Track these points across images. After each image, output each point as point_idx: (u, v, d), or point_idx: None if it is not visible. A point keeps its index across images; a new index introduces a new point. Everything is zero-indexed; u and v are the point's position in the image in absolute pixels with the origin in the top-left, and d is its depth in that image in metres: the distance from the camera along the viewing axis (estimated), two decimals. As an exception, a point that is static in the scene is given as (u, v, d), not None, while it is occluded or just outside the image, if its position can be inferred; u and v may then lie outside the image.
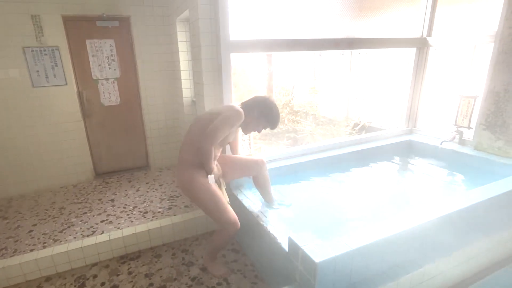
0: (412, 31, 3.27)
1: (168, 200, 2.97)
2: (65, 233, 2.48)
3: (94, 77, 3.43)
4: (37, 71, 3.14)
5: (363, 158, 3.11)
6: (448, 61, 3.27)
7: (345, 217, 2.30)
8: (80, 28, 3.26)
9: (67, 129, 3.40)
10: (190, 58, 3.40)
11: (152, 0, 3.42)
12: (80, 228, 2.54)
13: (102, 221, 2.63)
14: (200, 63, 2.41)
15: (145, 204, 2.90)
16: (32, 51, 3.08)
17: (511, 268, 1.98)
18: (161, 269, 2.17)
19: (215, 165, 1.95)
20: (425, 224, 1.65)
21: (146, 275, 2.11)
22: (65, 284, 2.08)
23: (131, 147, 3.82)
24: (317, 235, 1.52)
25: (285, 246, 1.62)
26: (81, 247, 2.22)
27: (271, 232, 1.78)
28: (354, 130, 4.48)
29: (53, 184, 3.47)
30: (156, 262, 2.25)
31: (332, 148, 3.11)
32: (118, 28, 3.41)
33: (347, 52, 4.97)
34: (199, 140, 1.83)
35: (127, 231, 2.38)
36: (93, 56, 3.37)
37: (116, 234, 2.35)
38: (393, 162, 3.21)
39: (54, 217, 2.76)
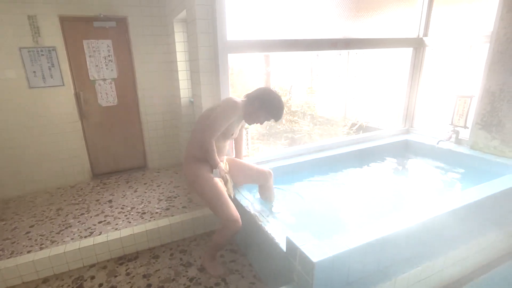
0: (408, 31, 3.29)
1: (166, 200, 2.96)
2: (62, 234, 2.47)
3: (91, 78, 3.42)
4: (34, 71, 3.12)
5: (361, 157, 3.12)
6: (445, 61, 3.29)
7: (343, 217, 2.31)
8: (77, 29, 3.25)
9: (64, 130, 3.39)
10: (187, 59, 3.40)
11: (149, 1, 3.42)
12: (78, 229, 2.53)
13: (99, 222, 2.62)
14: (198, 64, 2.41)
15: (143, 205, 2.90)
16: (29, 51, 3.06)
17: (506, 267, 2.00)
18: (159, 269, 2.17)
19: (219, 160, 1.96)
20: (422, 223, 1.66)
21: (144, 276, 2.11)
22: (62, 286, 2.07)
23: (129, 148, 3.81)
24: (314, 235, 1.52)
25: (283, 246, 1.62)
26: (79, 248, 2.21)
27: (269, 232, 1.79)
28: (352, 130, 4.50)
29: (51, 185, 3.46)
30: (154, 262, 2.25)
31: (330, 148, 3.12)
32: (115, 29, 3.40)
33: (344, 52, 4.99)
34: (200, 136, 1.89)
35: (125, 232, 2.38)
36: (90, 56, 3.36)
37: (114, 235, 2.34)
38: (390, 162, 3.22)
39: (52, 218, 2.75)
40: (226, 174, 2.05)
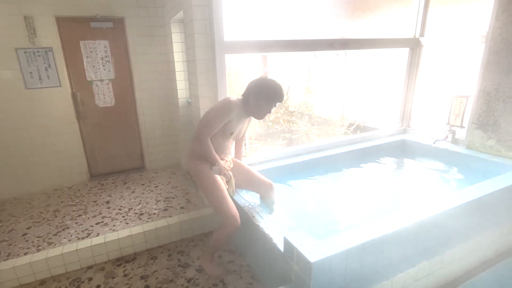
0: (405, 31, 3.30)
1: (163, 201, 2.96)
2: (59, 236, 2.47)
3: (88, 79, 3.41)
4: (30, 72, 3.11)
5: (358, 157, 3.13)
6: (441, 61, 3.31)
7: (340, 217, 2.32)
8: (73, 29, 3.24)
9: (61, 131, 3.37)
10: (185, 59, 3.39)
11: (146, 1, 3.41)
12: (75, 231, 2.52)
13: (97, 223, 2.61)
14: (195, 64, 2.41)
15: (140, 206, 2.89)
16: (25, 52, 3.05)
17: (502, 266, 2.02)
18: (156, 271, 2.17)
19: (217, 157, 1.96)
20: (419, 223, 1.67)
21: (142, 277, 2.11)
22: None
23: (126, 149, 3.80)
24: (312, 235, 1.53)
25: (281, 247, 1.62)
26: (76, 250, 2.21)
27: (267, 232, 1.79)
28: (349, 130, 4.51)
29: (48, 187, 3.44)
30: (152, 264, 2.25)
31: (327, 148, 3.13)
32: (112, 29, 3.39)
33: (341, 52, 5.00)
34: (195, 133, 1.96)
35: (123, 233, 2.37)
36: (87, 57, 3.35)
37: (111, 236, 2.34)
38: (387, 161, 3.23)
39: (49, 220, 2.74)
40: (229, 172, 2.06)
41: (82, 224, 2.62)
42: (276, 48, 2.68)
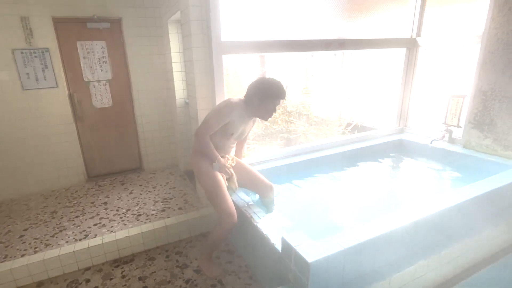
0: (402, 31, 3.32)
1: (161, 202, 2.96)
2: (57, 237, 2.46)
3: (85, 79, 3.40)
4: (27, 73, 3.09)
5: (355, 157, 3.14)
6: (438, 61, 3.33)
7: (338, 217, 2.33)
8: (70, 30, 3.23)
9: (58, 132, 3.36)
10: (182, 60, 3.39)
11: (143, 2, 3.40)
12: (73, 232, 2.51)
13: (95, 225, 2.60)
14: (192, 65, 2.41)
15: (138, 207, 2.89)
16: (22, 53, 3.03)
17: (499, 264, 2.03)
18: (155, 272, 2.16)
19: (217, 154, 1.98)
20: (416, 222, 1.68)
21: (139, 279, 2.10)
22: (57, 289, 2.06)
23: (124, 149, 3.79)
24: (310, 235, 1.53)
25: (279, 247, 1.63)
26: (74, 251, 2.20)
27: (265, 233, 1.79)
28: (347, 129, 4.52)
29: (45, 188, 3.43)
30: (150, 265, 2.24)
31: (325, 148, 3.13)
32: (109, 30, 3.38)
33: (339, 52, 5.01)
34: (196, 130, 1.99)
35: (120, 234, 2.37)
36: (84, 58, 3.34)
37: (109, 237, 2.33)
38: (385, 161, 3.25)
39: (46, 221, 2.73)
40: (230, 170, 2.07)
41: (79, 226, 2.61)
42: (274, 49, 2.68)
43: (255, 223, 1.90)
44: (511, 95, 2.44)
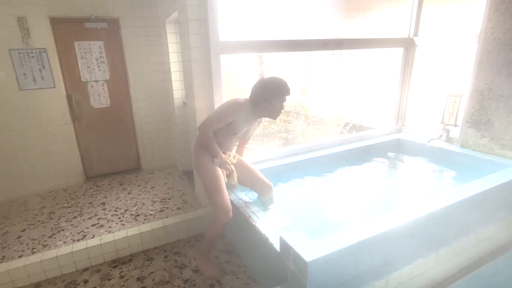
0: (399, 31, 3.33)
1: (160, 202, 2.95)
2: (54, 238, 2.45)
3: (83, 79, 3.39)
4: (24, 73, 3.08)
5: (354, 156, 3.15)
6: (435, 61, 3.34)
7: (336, 216, 2.33)
8: (68, 30, 3.22)
9: (56, 132, 3.35)
10: (180, 60, 3.38)
11: (141, 2, 3.40)
12: (70, 233, 2.51)
13: (93, 225, 2.60)
14: (190, 65, 2.41)
15: (136, 207, 2.88)
16: (19, 53, 3.02)
17: (497, 262, 2.04)
18: (153, 272, 2.16)
19: (219, 150, 1.99)
20: (414, 221, 1.69)
21: (138, 279, 2.10)
22: (55, 290, 2.06)
23: (122, 150, 3.78)
24: (308, 235, 1.53)
25: (277, 246, 1.63)
26: (71, 252, 2.19)
27: (263, 232, 1.79)
28: (345, 129, 4.53)
29: (42, 189, 3.41)
30: (148, 265, 2.24)
31: (323, 148, 3.14)
32: (107, 30, 3.37)
33: (337, 52, 5.02)
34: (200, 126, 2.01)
35: (119, 234, 2.36)
36: (81, 58, 3.33)
37: (107, 238, 2.33)
38: (383, 160, 3.26)
39: (44, 222, 2.72)
40: (231, 166, 2.08)
41: (77, 226, 2.60)
42: (271, 48, 2.68)
43: (253, 223, 1.90)
44: (507, 94, 2.46)
